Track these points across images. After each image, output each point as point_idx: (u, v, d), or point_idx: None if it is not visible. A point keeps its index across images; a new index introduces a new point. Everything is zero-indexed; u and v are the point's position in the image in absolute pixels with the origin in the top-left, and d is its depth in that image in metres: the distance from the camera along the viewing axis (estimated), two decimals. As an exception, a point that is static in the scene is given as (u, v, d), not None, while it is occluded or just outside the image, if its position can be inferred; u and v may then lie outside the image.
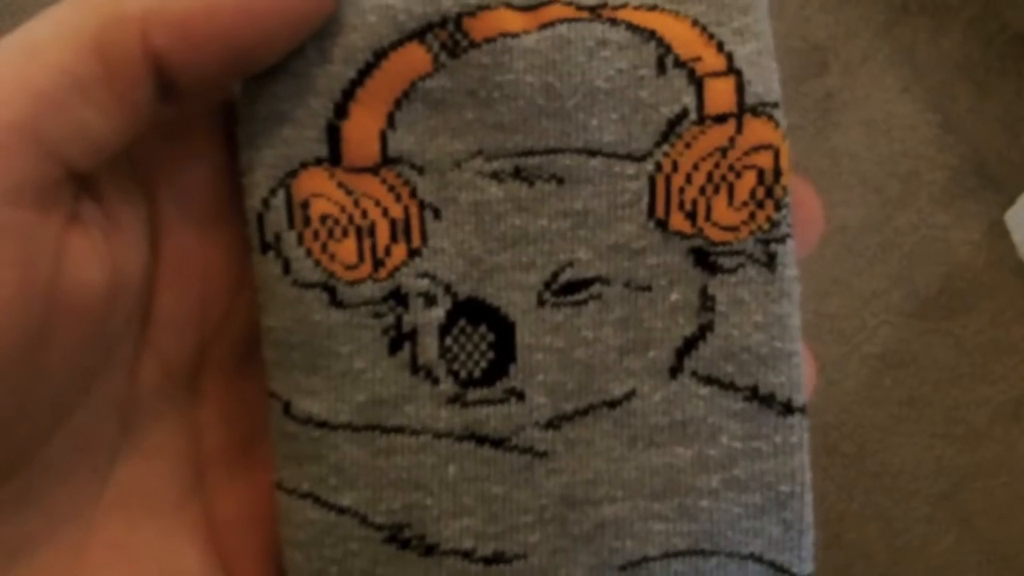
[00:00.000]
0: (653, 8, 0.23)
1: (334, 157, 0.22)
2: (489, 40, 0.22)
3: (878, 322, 1.01)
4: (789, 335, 0.23)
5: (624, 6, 0.23)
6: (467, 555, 0.23)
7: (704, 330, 0.23)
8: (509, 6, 0.22)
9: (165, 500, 0.24)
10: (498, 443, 0.23)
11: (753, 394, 0.23)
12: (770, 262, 0.23)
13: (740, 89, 0.23)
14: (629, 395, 0.23)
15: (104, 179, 0.22)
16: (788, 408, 0.23)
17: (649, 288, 0.23)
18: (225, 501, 0.25)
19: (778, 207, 0.23)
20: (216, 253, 0.24)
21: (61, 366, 0.21)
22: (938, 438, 1.00)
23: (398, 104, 0.22)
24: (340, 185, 0.23)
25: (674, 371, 0.23)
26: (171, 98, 0.21)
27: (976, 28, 1.06)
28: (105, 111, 0.20)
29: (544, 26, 0.22)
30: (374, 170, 0.23)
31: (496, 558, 0.23)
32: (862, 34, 1.06)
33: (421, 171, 0.23)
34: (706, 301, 0.23)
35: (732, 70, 0.23)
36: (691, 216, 0.23)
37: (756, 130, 0.23)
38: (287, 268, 0.23)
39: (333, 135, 0.22)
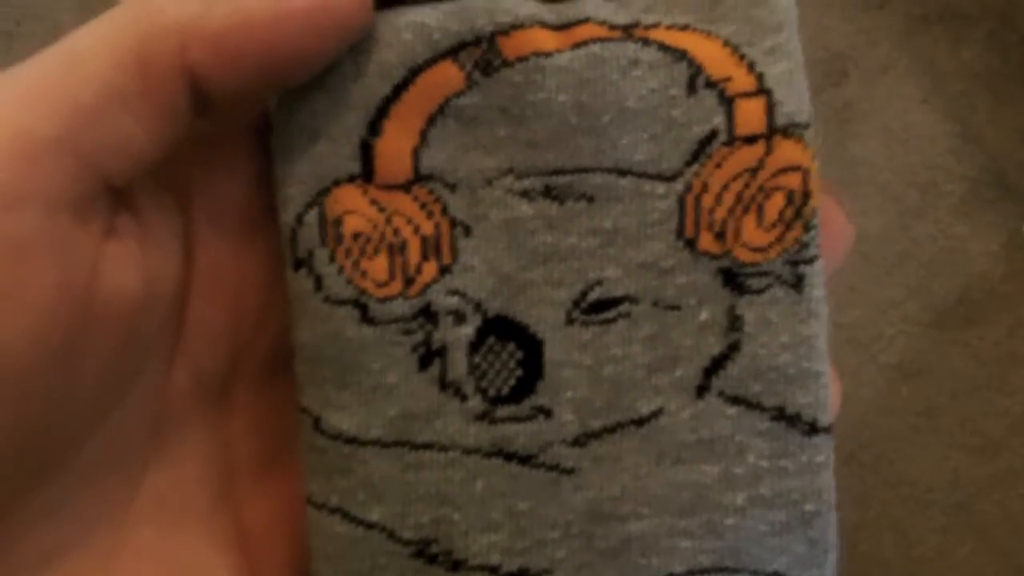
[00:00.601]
0: (685, 28, 0.23)
1: (367, 174, 0.23)
2: (522, 59, 0.22)
3: (895, 332, 1.01)
4: (816, 355, 0.23)
5: (656, 26, 0.23)
6: (493, 571, 0.23)
7: (732, 349, 0.23)
8: (542, 25, 0.22)
9: (195, 508, 0.25)
10: (525, 460, 0.23)
11: (780, 414, 0.23)
12: (798, 283, 0.23)
13: (770, 110, 0.23)
14: (657, 413, 0.23)
15: (140, 191, 0.23)
16: (814, 428, 0.23)
17: (678, 307, 0.23)
18: (254, 510, 0.25)
19: (807, 228, 0.23)
20: (249, 264, 0.25)
21: (95, 373, 0.22)
22: (955, 449, 1.00)
23: (431, 121, 0.23)
24: (373, 202, 0.23)
25: (701, 390, 0.23)
26: (207, 112, 0.22)
27: (996, 39, 1.05)
28: (144, 124, 0.21)
29: (577, 45, 0.22)
30: (406, 187, 0.23)
31: (522, 573, 0.23)
32: (882, 43, 1.06)
33: (452, 188, 0.23)
34: (734, 321, 0.23)
35: (763, 90, 0.23)
36: (720, 236, 0.23)
37: (786, 151, 0.23)
38: (319, 285, 0.23)
39: (366, 152, 0.23)
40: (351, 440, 0.23)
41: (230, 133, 0.25)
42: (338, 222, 0.23)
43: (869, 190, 1.03)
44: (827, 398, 0.23)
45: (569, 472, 0.23)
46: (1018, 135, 1.04)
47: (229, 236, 0.24)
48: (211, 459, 0.25)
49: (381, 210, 0.23)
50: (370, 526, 0.23)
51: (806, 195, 0.23)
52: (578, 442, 0.23)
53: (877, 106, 1.05)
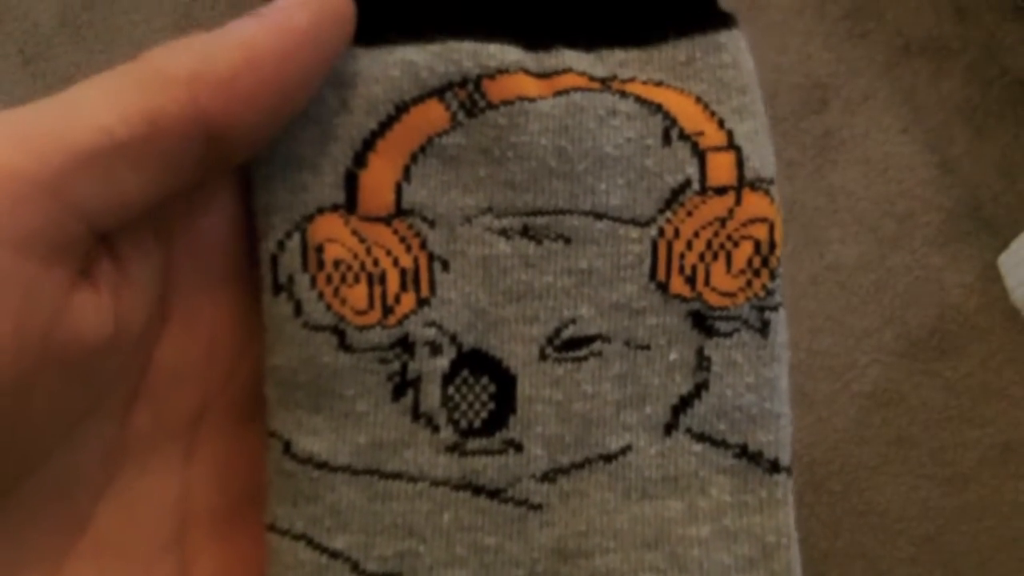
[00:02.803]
0: (659, 84, 0.24)
1: (350, 204, 0.23)
2: (506, 102, 0.23)
3: (869, 361, 1.02)
4: (778, 397, 0.24)
5: (632, 80, 0.24)
6: None
7: (699, 389, 0.24)
8: (526, 71, 0.23)
9: (140, 552, 0.24)
10: (494, 494, 0.23)
11: (743, 451, 0.24)
12: (763, 328, 0.24)
13: (740, 164, 0.24)
14: (625, 449, 0.23)
15: (121, 231, 0.22)
16: (775, 466, 0.24)
17: (648, 347, 0.24)
18: (204, 564, 0.25)
19: (772, 277, 0.24)
20: (225, 310, 0.24)
21: (45, 411, 0.21)
22: (925, 479, 1.00)
23: (414, 157, 0.23)
24: (354, 232, 0.23)
25: (669, 427, 0.24)
26: (221, 154, 0.22)
27: (976, 72, 1.06)
28: (146, 173, 0.21)
29: (558, 93, 0.23)
30: (387, 220, 0.23)
31: None
32: (863, 73, 1.06)
33: (432, 224, 0.23)
34: (703, 361, 0.24)
35: (732, 146, 0.24)
36: (691, 280, 0.24)
37: (754, 203, 0.24)
38: (299, 310, 0.23)
39: (351, 183, 0.23)
40: (321, 465, 0.23)
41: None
42: (320, 249, 0.23)
43: (846, 219, 1.03)
44: (788, 438, 0.24)
45: (537, 508, 0.23)
46: (996, 168, 1.05)
47: (207, 279, 0.24)
48: (166, 503, 0.24)
49: (362, 240, 0.23)
50: (334, 555, 0.23)
51: (772, 245, 0.24)
52: (547, 477, 0.23)
53: (857, 135, 1.05)
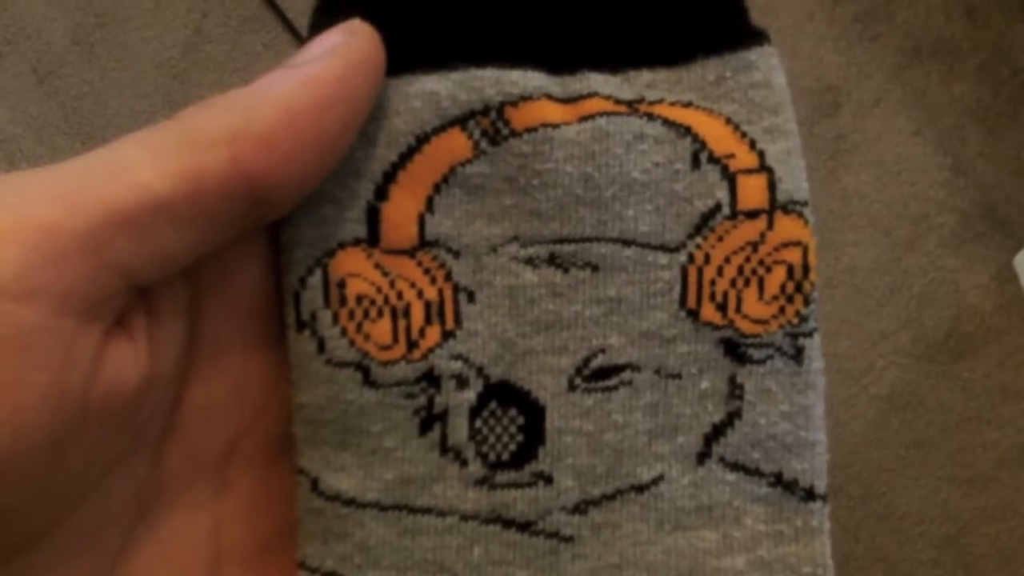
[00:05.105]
0: (688, 105, 0.23)
1: (372, 238, 0.23)
2: (530, 130, 0.23)
3: (886, 363, 1.01)
4: (814, 425, 0.23)
5: (660, 102, 0.23)
6: None
7: (732, 417, 0.23)
8: (550, 97, 0.23)
9: None
10: (524, 527, 0.23)
11: (778, 480, 0.23)
12: (798, 355, 0.23)
13: (772, 187, 0.23)
14: (657, 480, 0.23)
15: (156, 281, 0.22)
16: (811, 494, 0.23)
17: (679, 376, 0.23)
18: None
19: (807, 302, 0.23)
20: (255, 347, 0.24)
21: (80, 461, 0.21)
22: (944, 481, 1.00)
23: (437, 188, 0.23)
24: (377, 266, 0.23)
25: (702, 457, 0.23)
26: (264, 210, 0.22)
27: (988, 73, 1.06)
28: (187, 231, 0.21)
29: (584, 118, 0.23)
30: (411, 252, 0.23)
31: None
32: (875, 76, 1.06)
33: (457, 255, 0.23)
34: (735, 390, 0.23)
35: (764, 168, 0.23)
36: (722, 308, 0.23)
37: (786, 227, 0.23)
38: (322, 347, 0.23)
39: (372, 216, 0.23)
40: (349, 502, 0.23)
41: None
42: (342, 284, 0.23)
43: (861, 222, 1.03)
44: (823, 466, 0.24)
45: (568, 540, 0.23)
46: (1009, 168, 1.05)
47: (237, 318, 0.24)
48: (198, 542, 0.24)
49: (385, 274, 0.23)
50: None
51: (806, 270, 0.23)
52: (578, 509, 0.23)
53: (869, 138, 1.05)
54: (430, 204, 0.23)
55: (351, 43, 0.22)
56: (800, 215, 0.23)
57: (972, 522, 0.99)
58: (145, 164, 0.20)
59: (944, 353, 1.01)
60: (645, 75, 0.24)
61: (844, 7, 1.07)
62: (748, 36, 0.24)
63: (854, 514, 0.99)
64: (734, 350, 0.23)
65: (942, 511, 0.99)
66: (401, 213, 0.23)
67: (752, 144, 0.23)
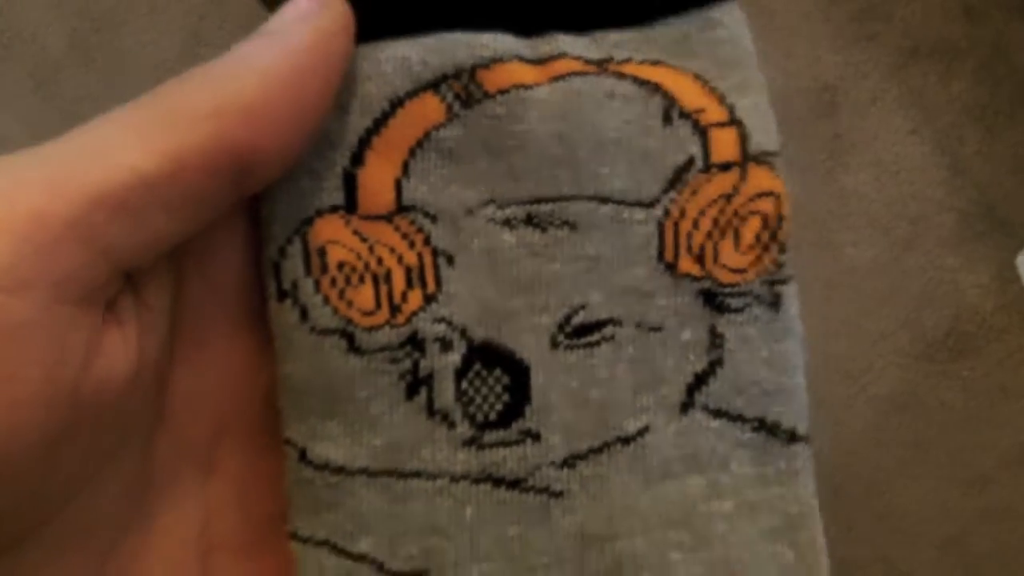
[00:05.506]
0: (656, 63, 0.24)
1: (350, 205, 0.23)
2: (503, 91, 0.23)
3: (885, 363, 1.01)
4: (793, 369, 0.24)
5: (628, 61, 0.24)
6: None
7: (714, 366, 0.24)
8: (520, 59, 0.23)
9: None
10: (514, 484, 0.23)
11: (761, 424, 0.24)
12: (775, 302, 0.24)
13: (743, 139, 0.24)
14: (643, 431, 0.23)
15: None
16: (793, 436, 0.24)
17: (661, 328, 0.24)
18: None
19: (782, 250, 0.24)
20: (239, 328, 0.24)
21: (76, 456, 0.21)
22: (944, 481, 1.00)
23: (412, 153, 0.23)
24: (356, 232, 0.23)
25: (686, 406, 0.24)
26: (248, 182, 0.21)
27: (985, 71, 1.06)
28: (175, 210, 0.20)
29: (555, 79, 0.23)
30: (388, 218, 0.23)
31: None
32: (872, 75, 1.06)
33: (434, 219, 0.23)
34: (715, 339, 0.24)
35: (734, 121, 0.24)
36: (699, 259, 0.24)
37: (759, 178, 0.24)
38: (304, 315, 0.23)
39: (349, 183, 0.23)
40: (338, 470, 0.23)
41: None
42: (322, 252, 0.23)
43: (859, 222, 1.03)
44: (804, 409, 0.24)
45: (558, 495, 0.23)
46: (1008, 167, 1.05)
47: (219, 299, 0.24)
48: (190, 534, 0.24)
49: (364, 240, 0.23)
50: (359, 558, 0.23)
51: (780, 219, 0.24)
52: (567, 464, 0.23)
53: (867, 138, 1.05)
54: (406, 169, 0.23)
55: (322, 10, 0.22)
56: (772, 166, 0.24)
57: (973, 522, 0.99)
58: (130, 144, 0.20)
59: (944, 353, 1.01)
60: (612, 36, 0.24)
61: (840, 6, 1.07)
62: None
63: (854, 514, 0.99)
64: (713, 300, 0.24)
65: (942, 511, 0.99)
66: (377, 179, 0.23)
67: (721, 99, 0.24)
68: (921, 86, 1.06)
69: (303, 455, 0.23)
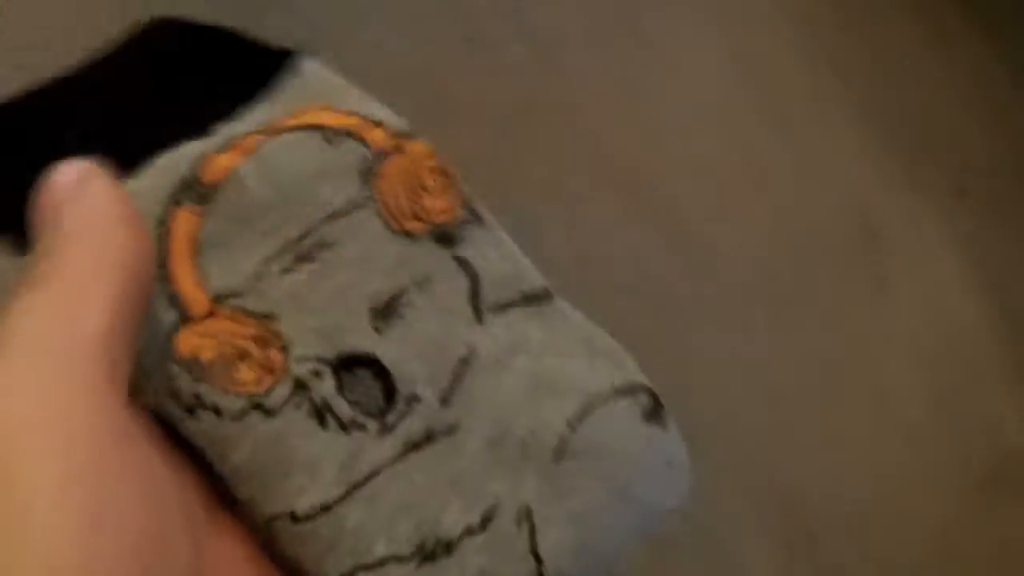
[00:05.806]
0: (296, 114, 0.30)
1: (184, 318, 0.27)
2: (224, 179, 0.29)
3: (932, 503, 1.01)
4: (515, 254, 0.31)
5: (281, 120, 0.30)
6: (470, 531, 0.27)
7: (474, 280, 0.30)
8: (220, 151, 0.29)
9: None
10: (429, 439, 0.28)
11: (526, 298, 0.30)
12: (479, 218, 0.31)
13: (387, 129, 0.31)
14: (471, 347, 0.29)
15: None
16: (547, 293, 0.30)
17: (431, 279, 0.29)
18: None
19: (459, 182, 0.31)
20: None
21: None
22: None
23: (194, 257, 0.28)
24: (204, 334, 0.27)
25: (479, 315, 0.29)
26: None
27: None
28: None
29: (248, 152, 0.29)
30: (213, 313, 0.28)
31: (486, 519, 0.27)
32: (920, 220, 1.08)
33: (242, 295, 0.28)
34: (463, 262, 0.30)
35: (372, 122, 0.31)
36: (418, 217, 0.30)
37: (414, 148, 0.31)
38: (218, 411, 0.27)
39: (174, 301, 0.28)
40: (326, 508, 0.27)
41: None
42: (195, 360, 0.27)
43: (905, 362, 1.04)
44: (537, 272, 0.30)
45: (455, 428, 0.28)
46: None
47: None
48: None
49: (213, 336, 0.27)
50: (382, 562, 0.27)
51: (444, 170, 0.31)
52: (445, 402, 0.28)
53: (914, 276, 1.07)
54: (200, 271, 0.28)
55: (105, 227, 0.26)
56: (415, 136, 0.31)
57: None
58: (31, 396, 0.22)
59: (991, 493, 1.00)
60: (249, 117, 0.30)
61: (886, 146, 1.10)
62: (281, 58, 0.32)
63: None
64: (445, 239, 0.30)
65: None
66: (187, 289, 0.28)
67: (351, 112, 0.31)
68: (972, 229, 1.07)
69: (293, 516, 0.26)
